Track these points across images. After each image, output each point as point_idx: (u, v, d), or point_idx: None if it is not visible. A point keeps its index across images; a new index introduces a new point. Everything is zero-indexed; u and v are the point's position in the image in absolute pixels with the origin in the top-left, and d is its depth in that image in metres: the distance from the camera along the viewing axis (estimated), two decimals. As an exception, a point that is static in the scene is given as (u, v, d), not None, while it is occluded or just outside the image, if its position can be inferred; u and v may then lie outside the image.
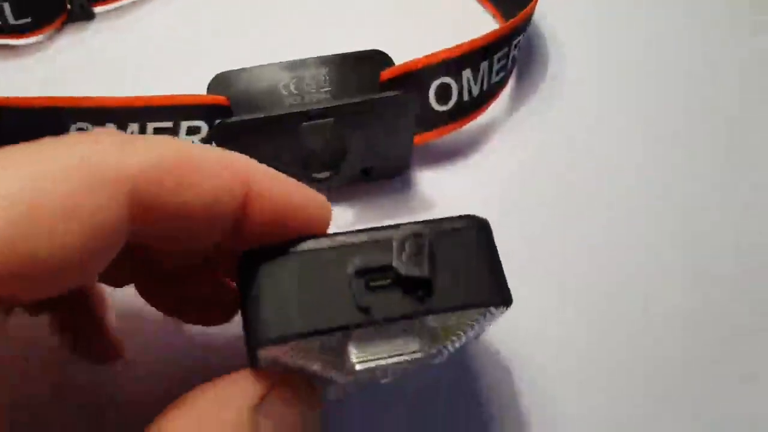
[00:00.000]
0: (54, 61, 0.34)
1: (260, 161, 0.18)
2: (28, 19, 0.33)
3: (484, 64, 0.30)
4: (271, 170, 0.17)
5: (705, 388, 0.26)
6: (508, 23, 0.30)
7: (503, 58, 0.31)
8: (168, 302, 0.21)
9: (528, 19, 0.33)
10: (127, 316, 0.23)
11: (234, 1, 0.37)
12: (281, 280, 0.16)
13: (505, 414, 0.24)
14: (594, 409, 0.25)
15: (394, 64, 0.31)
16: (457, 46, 0.29)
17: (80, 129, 0.26)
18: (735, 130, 0.33)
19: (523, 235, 0.29)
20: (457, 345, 0.19)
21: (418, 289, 0.16)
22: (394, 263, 0.16)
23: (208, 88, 0.30)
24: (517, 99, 0.34)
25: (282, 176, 0.18)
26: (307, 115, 0.26)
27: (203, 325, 0.22)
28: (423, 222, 0.17)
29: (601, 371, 0.26)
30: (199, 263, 0.20)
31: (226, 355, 0.23)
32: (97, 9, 0.36)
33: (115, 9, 0.36)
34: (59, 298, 0.15)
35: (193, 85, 0.29)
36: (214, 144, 0.26)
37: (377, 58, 0.31)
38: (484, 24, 0.37)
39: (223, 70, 0.30)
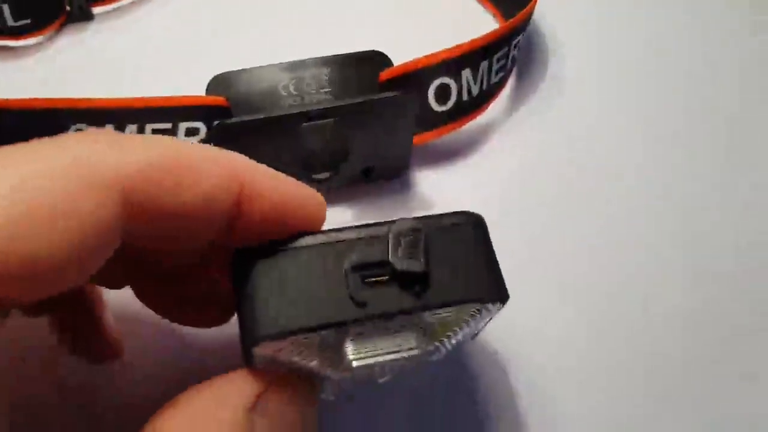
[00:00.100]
0: (53, 62, 0.34)
1: (260, 162, 0.18)
2: (28, 21, 0.33)
3: (484, 64, 0.30)
4: (265, 168, 0.18)
5: (705, 387, 0.26)
6: (507, 23, 0.30)
7: (503, 58, 0.31)
8: (165, 303, 0.21)
9: (528, 19, 0.32)
10: (124, 318, 0.23)
11: (233, 2, 0.37)
12: (276, 276, 0.16)
13: (502, 414, 0.25)
14: (592, 408, 0.25)
15: (393, 64, 0.31)
16: (457, 47, 0.29)
17: (79, 130, 0.26)
18: (735, 129, 0.33)
19: (523, 235, 0.29)
20: (453, 342, 0.19)
21: (414, 284, 0.16)
22: (390, 258, 0.16)
23: (207, 89, 0.30)
24: (517, 99, 0.34)
25: (276, 174, 0.18)
26: (306, 116, 0.26)
27: (201, 327, 0.22)
28: (418, 218, 0.17)
29: (599, 371, 0.26)
30: (195, 263, 0.20)
31: (223, 357, 0.23)
32: (96, 10, 0.36)
33: (114, 10, 0.36)
34: (56, 298, 0.15)
35: (192, 85, 0.29)
36: (212, 145, 0.26)
37: (377, 59, 0.31)
38: (484, 24, 0.36)
39: (222, 71, 0.30)
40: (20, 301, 0.14)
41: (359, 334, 0.17)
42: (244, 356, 0.17)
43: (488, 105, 0.32)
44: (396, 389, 0.22)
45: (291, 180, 0.18)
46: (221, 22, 0.36)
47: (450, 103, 0.30)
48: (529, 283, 0.27)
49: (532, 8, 0.32)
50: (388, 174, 0.30)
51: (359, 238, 0.17)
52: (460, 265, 0.17)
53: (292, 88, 0.30)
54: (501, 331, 0.25)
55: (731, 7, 0.38)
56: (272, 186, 0.17)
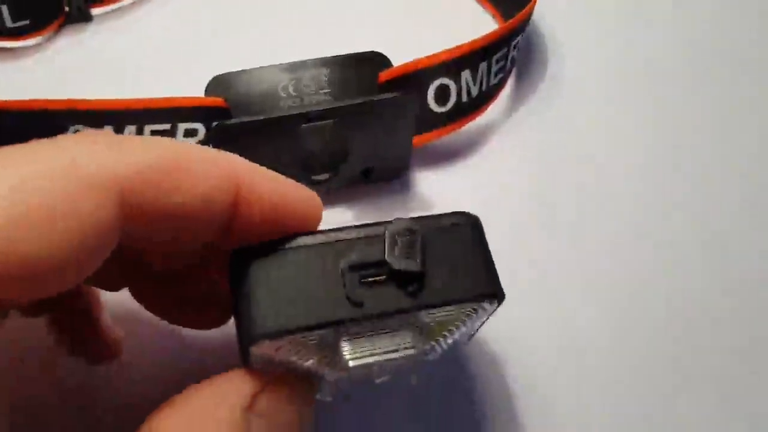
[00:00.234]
0: (52, 63, 0.34)
1: (259, 163, 0.18)
2: (27, 22, 0.33)
3: (483, 65, 0.30)
4: (262, 168, 0.18)
5: (701, 386, 0.26)
6: (506, 24, 0.30)
7: (502, 59, 0.31)
8: (163, 305, 0.21)
9: (527, 20, 0.32)
10: (122, 319, 0.23)
11: (232, 3, 0.37)
12: (272, 276, 0.16)
13: (498, 414, 0.25)
14: (590, 408, 0.25)
15: (392, 65, 0.31)
16: (456, 47, 0.29)
17: (78, 131, 0.26)
18: (735, 128, 0.33)
19: (522, 236, 0.29)
20: (449, 341, 0.19)
21: (410, 283, 0.17)
22: (387, 258, 0.16)
23: (206, 90, 0.30)
24: (516, 99, 0.34)
25: (272, 174, 0.18)
26: (306, 117, 0.26)
27: (199, 328, 0.22)
28: (415, 218, 0.17)
29: (597, 371, 0.26)
30: (193, 264, 0.20)
31: (221, 357, 0.23)
32: (95, 11, 0.36)
33: (113, 11, 0.36)
34: (54, 299, 0.15)
35: (191, 86, 0.29)
36: (211, 146, 0.26)
37: (376, 60, 0.31)
38: (483, 24, 0.36)
39: (221, 72, 0.30)
40: (19, 302, 0.14)
41: (356, 333, 0.17)
42: (241, 356, 0.17)
43: (488, 106, 0.32)
44: (393, 389, 0.22)
45: (288, 181, 0.18)
46: (220, 22, 0.36)
47: (449, 104, 0.30)
48: (526, 284, 0.27)
49: (532, 9, 0.32)
50: (387, 175, 0.30)
51: (356, 238, 0.17)
52: (456, 264, 0.17)
53: (291, 89, 0.30)
54: (498, 332, 0.25)
55: (731, 6, 0.38)
56: (270, 187, 0.17)
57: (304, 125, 0.26)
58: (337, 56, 0.31)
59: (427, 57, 0.29)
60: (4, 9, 0.32)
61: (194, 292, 0.21)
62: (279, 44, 0.34)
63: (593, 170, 0.31)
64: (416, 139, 0.29)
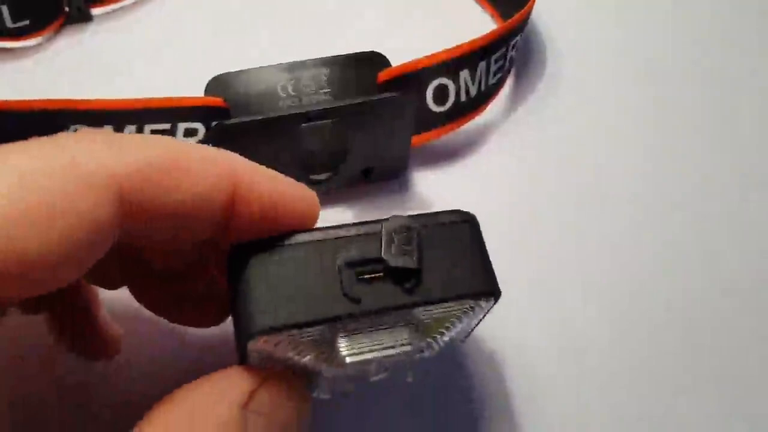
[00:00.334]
0: (52, 64, 0.34)
1: (259, 163, 0.18)
2: (26, 22, 0.33)
3: (482, 65, 0.30)
4: (260, 167, 0.18)
5: (701, 386, 0.26)
6: (505, 24, 0.30)
7: (500, 59, 0.31)
8: (162, 303, 0.22)
9: (526, 20, 0.33)
10: (121, 317, 0.23)
11: (231, 3, 0.37)
12: (270, 272, 0.16)
13: (495, 414, 0.25)
14: (588, 407, 0.25)
15: (391, 65, 0.31)
16: (455, 47, 0.29)
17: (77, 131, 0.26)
18: (735, 127, 0.33)
19: (520, 235, 0.29)
20: (446, 338, 0.19)
21: (407, 280, 0.17)
22: (384, 255, 0.17)
23: (205, 90, 0.30)
24: (515, 99, 0.34)
25: (271, 172, 0.18)
26: (305, 117, 0.26)
27: (198, 326, 0.22)
28: (412, 215, 0.18)
29: (595, 370, 0.26)
30: (191, 261, 0.20)
31: (219, 355, 0.23)
32: (95, 11, 0.36)
33: (113, 11, 0.36)
34: (52, 296, 0.15)
35: (191, 86, 0.29)
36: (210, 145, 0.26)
37: (375, 60, 0.31)
38: (482, 24, 0.37)
39: (221, 72, 0.30)
40: (18, 299, 0.14)
41: (353, 329, 0.17)
42: (238, 352, 0.17)
43: (486, 105, 0.32)
44: (390, 387, 0.22)
45: (286, 179, 0.18)
46: (220, 23, 0.36)
47: (448, 104, 0.30)
48: (522, 283, 0.27)
49: (530, 9, 0.32)
50: (386, 174, 0.30)
51: (354, 235, 0.17)
52: (452, 262, 0.17)
53: (290, 89, 0.30)
54: (495, 330, 0.26)
55: (731, 6, 0.38)
56: (268, 186, 0.17)
57: (303, 125, 0.26)
58: (336, 56, 0.31)
59: (426, 57, 0.29)
60: (4, 9, 0.32)
61: (193, 290, 0.21)
62: (278, 44, 0.35)
63: (592, 170, 0.31)
64: (415, 139, 0.29)
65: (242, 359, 0.17)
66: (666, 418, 0.25)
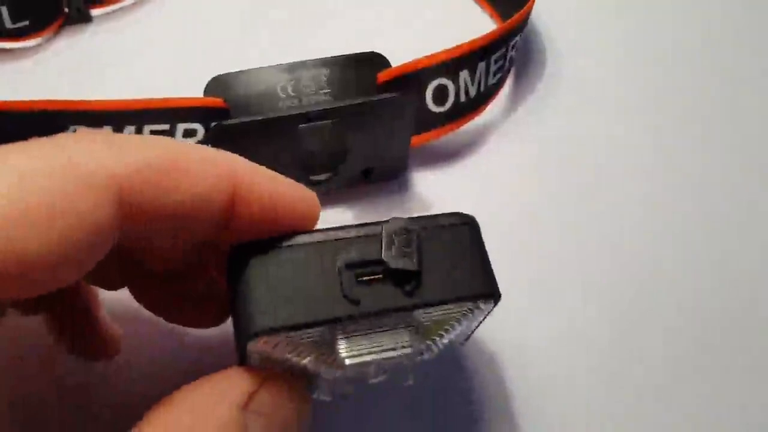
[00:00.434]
0: (51, 64, 0.34)
1: (258, 164, 0.18)
2: (26, 23, 0.33)
3: (481, 65, 0.30)
4: (260, 167, 0.18)
5: (701, 387, 0.26)
6: (504, 24, 0.30)
7: (500, 59, 0.31)
8: (162, 304, 0.22)
9: (525, 20, 0.33)
10: (121, 318, 0.23)
11: (231, 4, 0.37)
12: (270, 273, 0.16)
13: (495, 415, 0.25)
14: (588, 408, 0.25)
15: (391, 65, 0.31)
16: (454, 48, 0.29)
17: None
18: (734, 126, 0.33)
19: (520, 236, 0.29)
20: (445, 341, 0.19)
21: (407, 282, 0.17)
22: (384, 256, 0.17)
23: (205, 91, 0.30)
24: (515, 99, 0.34)
25: (270, 173, 0.18)
26: (305, 117, 0.26)
27: (198, 327, 0.22)
28: (412, 218, 0.18)
29: (595, 371, 0.26)
30: (191, 262, 0.20)
31: (219, 356, 0.23)
32: (94, 12, 0.36)
33: (112, 12, 0.36)
34: (52, 297, 0.15)
35: (191, 87, 0.29)
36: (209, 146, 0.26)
37: (375, 60, 0.31)
38: (482, 25, 0.37)
39: (221, 73, 0.30)
40: (17, 300, 0.14)
41: (352, 331, 0.17)
42: (238, 353, 0.17)
43: (486, 106, 0.32)
44: (390, 389, 0.22)
45: (286, 180, 0.18)
46: (219, 23, 0.36)
47: (448, 104, 0.30)
48: (522, 284, 0.27)
49: (530, 9, 0.32)
50: (386, 175, 0.30)
51: (354, 237, 0.17)
52: (452, 264, 0.17)
53: (290, 90, 0.30)
54: (495, 332, 0.26)
55: (730, 6, 0.38)
56: (268, 186, 0.17)
57: (303, 125, 0.26)
58: (335, 57, 0.31)
59: (426, 57, 0.29)
60: (4, 10, 0.32)
61: (193, 291, 0.21)
62: (278, 45, 0.35)
63: (592, 170, 0.31)
64: (415, 139, 0.29)
65: (242, 360, 0.17)
66: (666, 418, 0.25)
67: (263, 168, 0.18)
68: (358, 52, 0.32)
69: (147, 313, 0.22)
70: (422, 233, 0.17)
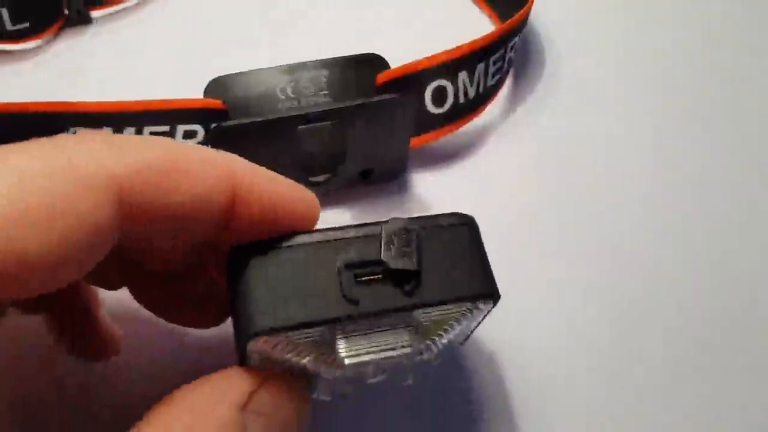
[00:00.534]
0: (51, 66, 0.34)
1: (258, 165, 0.18)
2: (26, 24, 0.33)
3: (480, 67, 0.30)
4: (260, 168, 0.18)
5: (701, 387, 0.26)
6: (503, 25, 0.30)
7: (499, 60, 0.31)
8: (162, 304, 0.22)
9: (524, 21, 0.33)
10: (121, 319, 0.23)
11: (231, 5, 0.37)
12: (270, 273, 0.16)
13: (494, 415, 0.25)
14: (588, 409, 0.25)
15: (390, 67, 0.31)
16: (453, 49, 0.29)
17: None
18: (734, 126, 0.33)
19: (519, 236, 0.29)
20: (444, 341, 0.19)
21: (406, 282, 0.17)
22: (383, 257, 0.17)
23: (205, 92, 0.30)
24: (514, 100, 0.34)
25: (270, 174, 0.18)
26: (305, 119, 0.26)
27: (198, 327, 0.22)
28: (411, 218, 0.18)
29: (595, 371, 0.26)
30: (191, 263, 0.20)
31: (219, 357, 0.23)
32: (94, 14, 0.36)
33: (112, 13, 0.36)
34: (52, 296, 0.15)
35: (190, 89, 0.29)
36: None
37: (374, 62, 0.31)
38: (480, 26, 0.37)
39: (220, 74, 0.30)
40: (17, 300, 0.14)
41: (352, 331, 0.17)
42: (238, 353, 0.17)
43: (485, 107, 0.32)
44: (390, 389, 0.22)
45: (286, 180, 0.18)
46: (219, 25, 0.36)
47: (447, 106, 0.30)
48: (520, 284, 0.27)
49: (529, 10, 0.33)
50: (385, 176, 0.30)
51: (353, 237, 0.17)
52: (452, 264, 0.17)
53: (289, 91, 0.31)
54: (494, 332, 0.26)
55: (731, 5, 0.38)
56: (268, 187, 0.17)
57: (302, 127, 0.26)
58: (335, 58, 0.31)
59: (425, 59, 0.29)
60: (4, 12, 0.32)
61: (193, 291, 0.21)
62: (277, 46, 0.35)
63: (592, 170, 0.31)
64: (414, 141, 0.29)
65: (242, 360, 0.17)
66: (666, 418, 0.25)
67: (263, 168, 0.18)
68: (357, 53, 0.32)
69: (147, 314, 0.22)
70: (421, 233, 0.17)
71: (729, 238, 0.29)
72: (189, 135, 0.28)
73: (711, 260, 0.29)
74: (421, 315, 0.17)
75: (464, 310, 0.18)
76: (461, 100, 0.30)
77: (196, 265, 0.20)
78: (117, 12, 0.36)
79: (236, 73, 0.30)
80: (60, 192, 0.14)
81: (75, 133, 0.26)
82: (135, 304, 0.22)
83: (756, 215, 0.30)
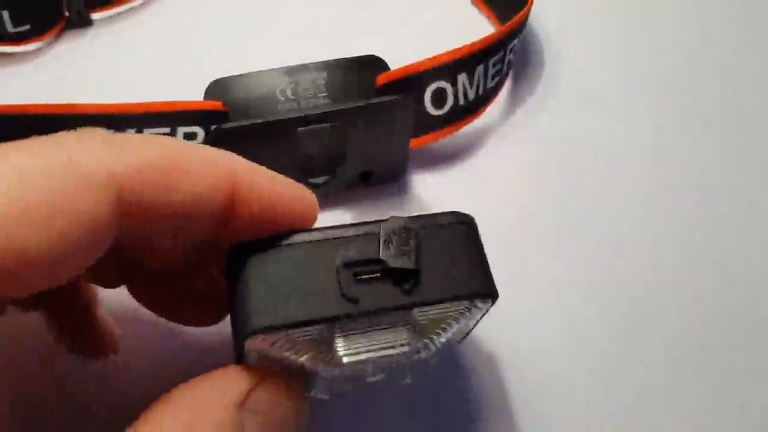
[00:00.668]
0: (52, 68, 0.34)
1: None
2: (27, 27, 0.33)
3: (480, 68, 0.30)
4: (259, 167, 0.18)
5: (701, 387, 0.26)
6: (503, 27, 0.30)
7: (498, 62, 0.31)
8: (161, 302, 0.22)
9: (523, 23, 0.33)
10: (120, 317, 0.23)
11: (231, 8, 0.37)
12: (269, 272, 0.16)
13: (492, 415, 0.25)
14: (586, 408, 0.25)
15: (389, 68, 0.31)
16: (453, 51, 0.29)
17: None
18: (734, 126, 0.33)
19: (518, 237, 0.29)
20: (442, 339, 0.19)
21: (405, 280, 0.17)
22: (382, 255, 0.17)
23: (205, 94, 0.30)
24: (513, 102, 0.34)
25: (270, 173, 0.18)
26: (304, 120, 0.26)
27: (197, 325, 0.22)
28: (410, 217, 0.18)
29: (593, 371, 0.26)
30: (190, 261, 0.20)
31: (218, 356, 0.23)
32: (95, 16, 0.36)
33: (113, 15, 0.36)
34: (52, 295, 0.15)
35: (191, 91, 0.29)
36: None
37: (374, 63, 0.31)
38: (480, 28, 0.37)
39: (220, 76, 0.30)
40: (16, 297, 0.14)
41: (350, 329, 0.17)
42: (236, 351, 0.17)
43: (485, 109, 0.32)
44: (388, 387, 0.22)
45: (285, 180, 0.18)
46: (219, 27, 0.36)
47: (446, 107, 0.30)
48: (520, 284, 0.27)
49: (528, 12, 0.33)
50: (385, 178, 0.30)
51: (352, 236, 0.17)
52: (450, 263, 0.17)
53: (289, 93, 0.31)
54: (493, 332, 0.26)
55: (731, 5, 0.38)
56: (267, 186, 0.17)
57: (302, 128, 0.26)
58: (335, 60, 0.31)
59: (424, 60, 0.29)
60: (5, 14, 0.32)
61: (192, 290, 0.21)
62: (277, 48, 0.35)
63: (591, 170, 0.31)
64: (413, 142, 0.29)
65: (240, 358, 0.17)
66: (666, 418, 0.25)
67: (263, 168, 0.18)
68: (356, 55, 0.32)
69: (146, 313, 0.22)
70: (420, 232, 0.17)
71: (729, 238, 0.29)
72: (189, 137, 0.28)
73: (711, 260, 0.29)
74: (419, 313, 0.17)
75: (462, 309, 0.18)
76: (461, 101, 0.30)
77: (196, 264, 0.20)
78: (117, 14, 0.36)
79: (236, 75, 0.30)
80: (60, 190, 0.14)
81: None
82: (134, 303, 0.22)
83: (756, 215, 0.30)
